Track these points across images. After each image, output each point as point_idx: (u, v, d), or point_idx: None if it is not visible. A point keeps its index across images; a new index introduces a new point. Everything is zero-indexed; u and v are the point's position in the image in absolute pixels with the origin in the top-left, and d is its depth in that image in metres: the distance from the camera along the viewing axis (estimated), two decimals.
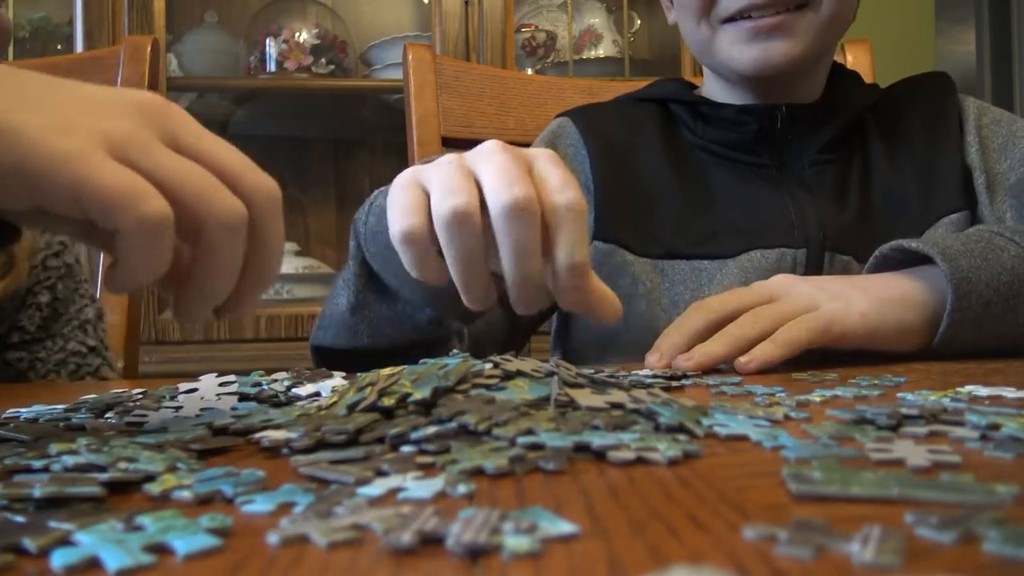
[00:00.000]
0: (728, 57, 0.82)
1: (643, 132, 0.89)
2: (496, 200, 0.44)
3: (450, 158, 0.48)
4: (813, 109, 0.86)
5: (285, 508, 0.25)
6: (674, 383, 0.51)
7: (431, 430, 0.32)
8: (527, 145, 1.05)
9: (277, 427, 0.35)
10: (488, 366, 0.40)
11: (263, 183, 0.37)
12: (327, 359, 0.71)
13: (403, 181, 0.49)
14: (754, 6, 0.78)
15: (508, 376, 0.39)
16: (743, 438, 0.33)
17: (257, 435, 0.34)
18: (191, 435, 0.35)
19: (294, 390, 0.46)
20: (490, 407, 0.35)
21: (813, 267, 0.80)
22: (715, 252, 0.81)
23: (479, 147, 0.48)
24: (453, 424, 0.33)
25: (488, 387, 0.38)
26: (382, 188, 0.62)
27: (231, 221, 0.35)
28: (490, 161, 0.46)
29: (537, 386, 0.38)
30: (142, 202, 0.32)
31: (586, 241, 0.45)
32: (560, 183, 0.45)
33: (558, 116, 0.94)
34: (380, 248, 0.61)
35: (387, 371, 0.40)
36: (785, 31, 0.79)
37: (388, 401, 0.36)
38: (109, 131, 0.34)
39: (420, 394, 0.36)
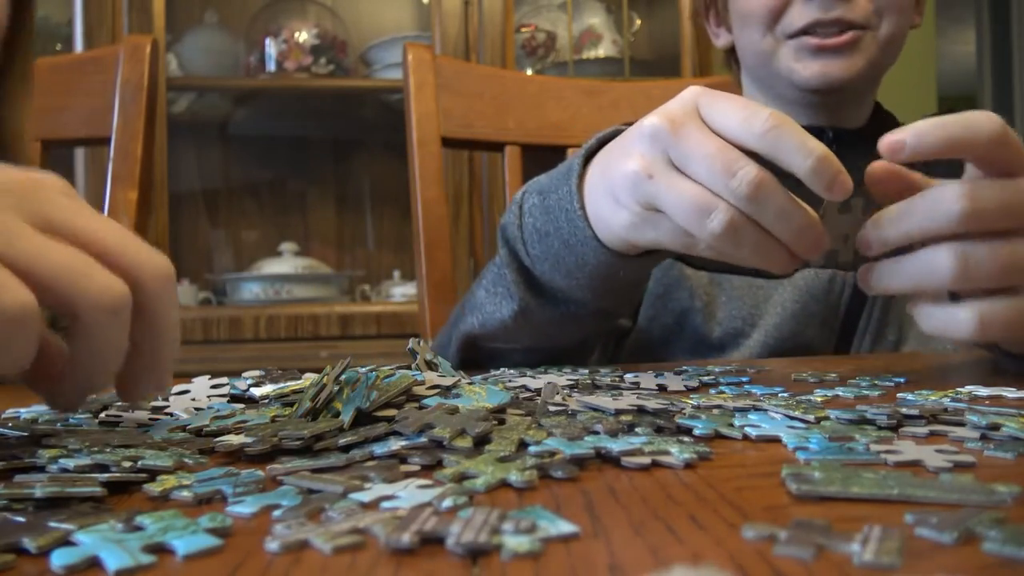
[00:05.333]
0: (789, 69, 0.82)
1: None
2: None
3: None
4: (859, 134, 0.86)
5: (270, 510, 0.25)
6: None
7: (398, 444, 0.31)
8: (532, 146, 1.05)
9: (237, 431, 0.35)
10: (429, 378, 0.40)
11: (150, 259, 0.35)
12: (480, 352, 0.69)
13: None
14: (819, 23, 0.79)
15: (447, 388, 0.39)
16: (774, 439, 0.33)
17: (215, 440, 0.34)
18: (169, 436, 0.34)
19: (252, 390, 0.45)
20: (457, 418, 0.33)
21: (860, 291, 0.78)
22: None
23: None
24: (422, 438, 0.31)
25: (444, 396, 0.37)
26: (527, 187, 0.61)
27: (107, 302, 0.32)
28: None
29: (495, 392, 0.38)
30: None
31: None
32: None
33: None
34: (551, 249, 0.58)
35: (335, 371, 0.39)
36: (848, 49, 0.80)
37: (338, 404, 0.36)
38: None
39: (344, 416, 0.34)
